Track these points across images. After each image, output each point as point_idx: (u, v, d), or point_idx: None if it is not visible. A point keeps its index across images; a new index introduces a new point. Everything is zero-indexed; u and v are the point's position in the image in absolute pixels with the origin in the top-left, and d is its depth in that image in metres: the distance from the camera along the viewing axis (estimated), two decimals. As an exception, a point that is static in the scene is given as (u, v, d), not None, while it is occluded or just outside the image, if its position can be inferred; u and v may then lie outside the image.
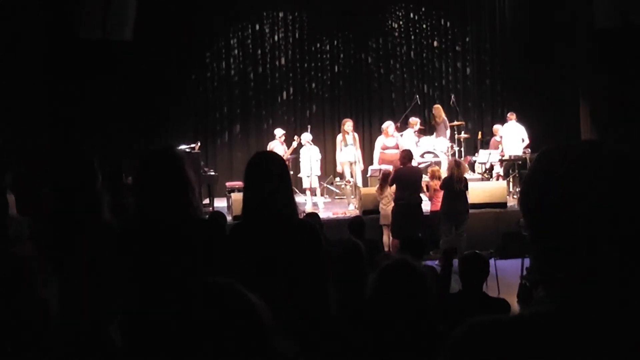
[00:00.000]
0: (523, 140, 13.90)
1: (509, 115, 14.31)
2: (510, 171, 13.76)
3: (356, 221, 7.56)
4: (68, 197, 3.08)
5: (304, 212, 11.02)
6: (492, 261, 8.87)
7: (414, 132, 13.84)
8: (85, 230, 2.99)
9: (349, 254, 5.10)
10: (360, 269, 4.88)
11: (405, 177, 10.35)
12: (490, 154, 13.57)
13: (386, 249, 10.57)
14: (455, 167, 10.38)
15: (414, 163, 12.93)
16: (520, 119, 15.62)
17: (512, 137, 13.79)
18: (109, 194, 3.25)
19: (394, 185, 10.43)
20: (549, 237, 1.24)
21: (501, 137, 14.12)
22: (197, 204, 2.97)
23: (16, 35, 9.42)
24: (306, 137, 13.18)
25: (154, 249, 2.77)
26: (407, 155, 10.75)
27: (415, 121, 14.02)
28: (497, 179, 13.58)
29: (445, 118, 14.58)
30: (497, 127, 14.62)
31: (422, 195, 10.89)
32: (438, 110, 14.62)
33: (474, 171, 14.71)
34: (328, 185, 14.55)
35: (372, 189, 11.65)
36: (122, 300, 2.83)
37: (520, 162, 13.70)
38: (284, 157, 12.82)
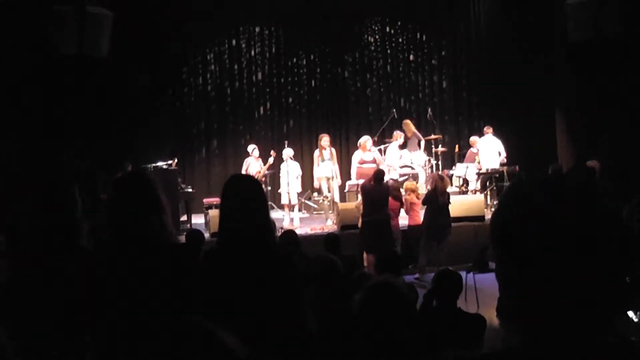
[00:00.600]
0: (500, 154, 13.95)
1: (485, 128, 14.37)
2: (488, 184, 13.80)
3: (331, 237, 7.51)
4: (46, 224, 3.02)
5: (281, 228, 11.00)
6: (470, 275, 8.92)
7: (398, 145, 13.81)
8: (61, 257, 2.92)
9: (326, 272, 5.07)
10: (338, 286, 4.85)
11: (371, 194, 10.35)
12: (467, 167, 13.60)
13: (365, 264, 10.55)
14: (439, 180, 10.42)
15: (394, 176, 13.00)
16: (496, 132, 15.72)
17: (489, 151, 13.84)
18: (87, 219, 3.19)
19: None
20: (516, 269, 1.24)
21: (478, 150, 14.16)
22: (170, 228, 2.92)
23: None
24: (287, 152, 13.12)
25: (126, 278, 2.71)
26: (377, 174, 10.72)
27: (398, 134, 14.00)
28: (475, 193, 13.59)
29: (417, 132, 14.58)
30: (474, 139, 14.64)
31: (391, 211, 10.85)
32: (407, 125, 14.61)
33: (451, 184, 14.74)
34: (306, 201, 14.50)
35: (351, 204, 11.63)
36: (94, 332, 2.77)
37: (497, 176, 13.75)
38: (260, 174, 12.81)
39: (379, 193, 10.40)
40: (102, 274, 2.78)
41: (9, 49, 9.47)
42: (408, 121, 14.78)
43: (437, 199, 10.34)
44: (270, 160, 13.27)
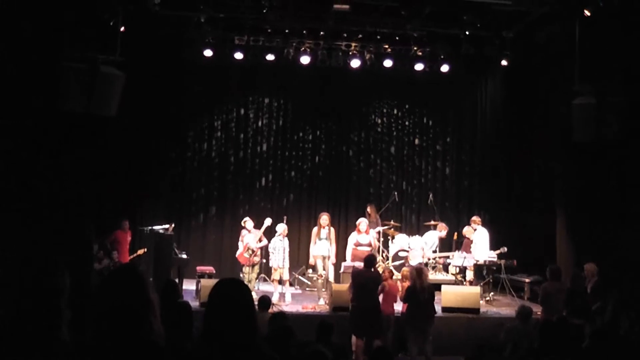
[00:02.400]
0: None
1: (475, 219, 14.25)
2: (485, 276, 13.65)
3: (323, 325, 7.34)
4: (26, 311, 2.89)
5: (272, 304, 10.83)
6: (463, 372, 8.72)
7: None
8: (39, 348, 2.80)
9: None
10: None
11: (361, 280, 10.21)
12: (465, 257, 13.48)
13: (354, 348, 10.36)
14: (417, 277, 10.16)
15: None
16: (494, 223, 15.71)
17: (482, 242, 13.73)
18: (70, 309, 3.07)
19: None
20: None
21: (472, 241, 14.02)
22: (158, 328, 2.80)
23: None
24: (281, 228, 13.05)
25: None
26: (367, 260, 10.61)
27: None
28: (470, 284, 13.44)
29: (378, 217, 14.52)
30: (466, 229, 14.47)
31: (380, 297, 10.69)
32: (372, 208, 14.56)
33: (447, 272, 14.62)
34: (299, 277, 14.35)
35: (344, 286, 11.48)
36: None
37: (494, 268, 13.63)
38: (255, 247, 12.69)
39: (368, 279, 10.27)
40: None
41: (17, 101, 9.49)
42: (373, 205, 14.69)
43: (417, 296, 10.09)
44: (264, 226, 13.09)
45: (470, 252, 13.81)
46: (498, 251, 13.58)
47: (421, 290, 10.07)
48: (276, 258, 12.89)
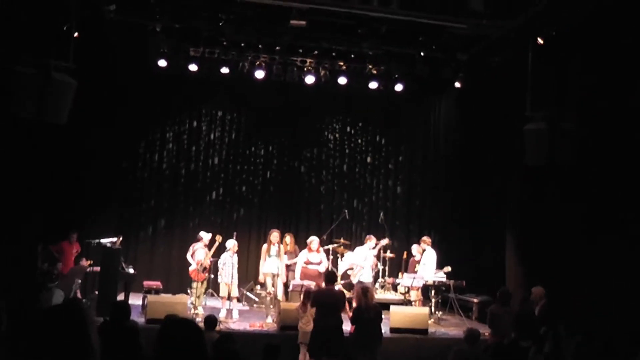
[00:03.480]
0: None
1: (425, 239, 14.28)
2: (432, 296, 13.70)
3: (270, 348, 7.22)
4: None
5: (220, 321, 10.66)
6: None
7: (369, 248, 13.64)
8: None
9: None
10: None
11: (324, 299, 10.11)
12: (414, 278, 13.49)
13: (301, 366, 10.26)
14: (363, 297, 10.11)
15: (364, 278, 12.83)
16: (444, 243, 15.84)
17: (431, 262, 13.78)
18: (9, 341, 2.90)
19: (313, 306, 10.18)
20: None
21: (418, 261, 14.03)
22: None
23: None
24: (231, 244, 12.90)
25: None
26: (329, 276, 10.54)
27: (370, 237, 13.86)
28: (416, 304, 13.46)
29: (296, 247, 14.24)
30: (414, 248, 14.48)
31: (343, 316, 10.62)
32: (291, 238, 14.36)
33: (396, 291, 14.64)
34: (247, 293, 14.19)
35: (293, 304, 11.39)
36: None
37: (444, 288, 13.70)
38: (205, 263, 12.52)
39: (332, 296, 10.16)
40: None
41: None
42: (292, 235, 14.43)
43: (362, 316, 10.03)
44: (216, 244, 12.96)
45: (415, 271, 13.84)
46: (443, 270, 13.64)
47: (366, 309, 10.02)
48: (225, 274, 12.72)
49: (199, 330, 2.97)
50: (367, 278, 13.25)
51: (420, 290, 13.75)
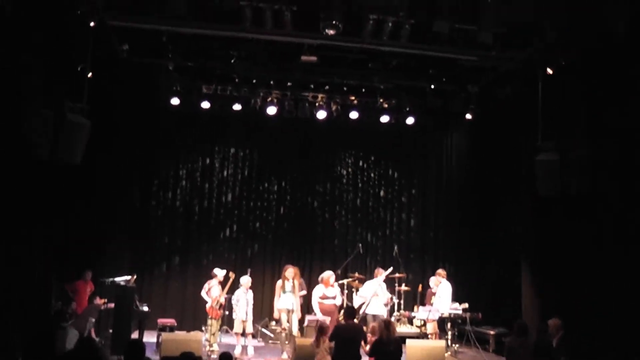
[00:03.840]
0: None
1: (440, 271, 14.20)
2: (449, 328, 13.60)
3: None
4: None
5: (235, 358, 10.60)
6: None
7: (378, 283, 13.58)
8: None
9: None
10: None
11: (344, 334, 10.03)
12: (430, 311, 13.41)
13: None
14: (385, 330, 10.03)
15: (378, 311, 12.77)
16: (459, 274, 15.76)
17: (446, 295, 13.70)
18: None
19: (332, 340, 10.10)
20: None
21: (434, 293, 13.98)
22: None
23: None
24: (245, 280, 12.91)
25: None
26: (349, 311, 10.48)
27: (380, 271, 13.81)
28: (433, 337, 13.36)
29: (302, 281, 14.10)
30: (432, 280, 14.43)
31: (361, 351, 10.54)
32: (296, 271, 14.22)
33: (412, 324, 14.54)
34: (262, 329, 14.13)
35: (308, 340, 11.30)
36: None
37: (460, 321, 13.60)
38: (220, 299, 12.52)
39: (352, 331, 10.08)
40: None
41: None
42: (296, 268, 14.34)
43: (383, 349, 9.95)
44: (229, 282, 12.98)
45: (431, 303, 13.77)
46: (460, 306, 13.55)
47: (388, 342, 9.93)
48: (240, 310, 12.69)
49: None
50: (379, 311, 13.18)
51: (436, 323, 13.66)
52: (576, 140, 11.15)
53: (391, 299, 14.43)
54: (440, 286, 13.88)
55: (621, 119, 10.42)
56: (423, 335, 13.73)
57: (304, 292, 13.62)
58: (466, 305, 13.57)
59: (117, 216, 14.69)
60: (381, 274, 13.61)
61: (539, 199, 11.99)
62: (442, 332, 13.63)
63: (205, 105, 14.11)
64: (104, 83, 12.19)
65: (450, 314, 13.47)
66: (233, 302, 12.96)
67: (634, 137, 10.18)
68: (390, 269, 14.00)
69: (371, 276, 15.51)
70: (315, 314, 12.85)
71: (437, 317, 13.53)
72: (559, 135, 11.33)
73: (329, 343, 10.14)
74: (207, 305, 12.95)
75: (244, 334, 12.68)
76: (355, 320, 11.35)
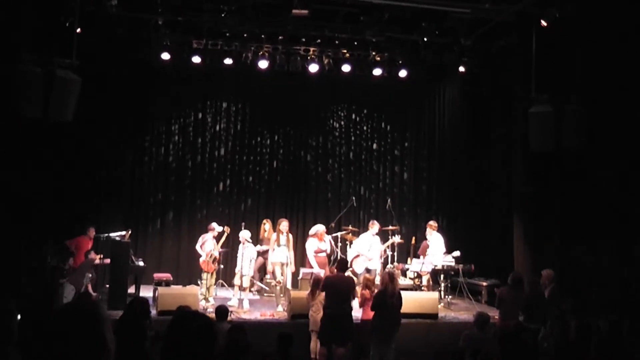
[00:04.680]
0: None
1: (431, 223, 14.33)
2: (441, 281, 13.77)
3: (283, 338, 7.26)
4: None
5: (230, 311, 10.72)
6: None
7: (372, 234, 13.69)
8: None
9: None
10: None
11: (335, 286, 10.16)
12: (423, 263, 13.55)
13: (312, 355, 10.32)
14: (389, 282, 10.19)
15: (370, 265, 12.91)
16: (452, 228, 15.89)
17: (438, 247, 13.84)
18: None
19: (323, 290, 10.25)
20: None
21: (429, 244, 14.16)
22: None
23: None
24: (244, 235, 12.97)
25: None
26: (341, 264, 10.60)
27: (374, 223, 13.89)
28: (427, 289, 13.53)
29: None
30: (428, 230, 14.57)
31: (353, 303, 10.67)
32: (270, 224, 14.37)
33: (405, 277, 14.68)
34: (257, 282, 14.25)
35: (303, 293, 11.43)
36: None
37: (452, 273, 13.74)
38: (214, 253, 12.60)
39: (342, 284, 10.22)
40: None
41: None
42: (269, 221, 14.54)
43: (386, 301, 10.12)
44: (224, 236, 13.07)
45: (426, 255, 13.93)
46: (452, 254, 13.69)
47: (391, 295, 10.09)
48: (242, 265, 12.76)
49: (211, 323, 2.97)
50: (375, 265, 13.33)
51: (429, 275, 13.83)
52: (571, 94, 11.13)
53: (385, 251, 14.56)
54: (431, 238, 14.01)
55: (617, 73, 10.39)
56: (417, 288, 13.89)
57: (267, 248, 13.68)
58: (458, 252, 13.69)
59: (109, 173, 14.67)
60: (374, 227, 13.70)
61: (533, 153, 12.01)
62: (434, 284, 13.81)
63: (196, 60, 13.98)
64: (93, 39, 12.06)
65: (443, 266, 13.61)
66: (238, 255, 13.05)
67: (629, 92, 10.17)
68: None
69: (365, 229, 15.66)
70: (312, 267, 12.99)
71: (430, 269, 13.68)
72: (553, 89, 11.30)
73: (322, 296, 10.28)
74: (201, 259, 13.05)
75: (240, 288, 12.79)
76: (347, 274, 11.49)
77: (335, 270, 10.57)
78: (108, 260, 12.57)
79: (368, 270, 13.20)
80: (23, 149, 10.34)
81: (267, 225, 14.07)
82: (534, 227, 12.86)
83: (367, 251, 13.33)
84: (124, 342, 6.30)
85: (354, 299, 10.68)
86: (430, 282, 13.84)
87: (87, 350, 2.61)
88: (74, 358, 2.58)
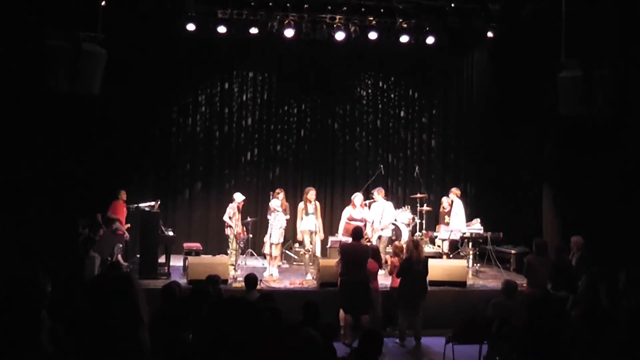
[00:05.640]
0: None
1: (454, 190, 14.30)
2: (470, 248, 13.75)
3: (310, 306, 7.29)
4: (3, 322, 2.76)
5: (261, 280, 10.82)
6: (450, 346, 8.81)
7: (381, 201, 13.68)
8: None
9: (306, 347, 4.96)
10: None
11: (350, 254, 10.21)
12: (451, 231, 13.52)
13: (342, 323, 10.40)
14: (414, 249, 10.23)
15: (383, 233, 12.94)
16: (480, 195, 15.81)
17: (459, 214, 13.82)
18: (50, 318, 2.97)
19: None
20: None
21: (447, 212, 14.15)
22: (145, 343, 2.69)
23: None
24: (274, 204, 12.99)
25: None
26: (356, 232, 10.60)
27: (381, 190, 13.88)
28: (449, 257, 13.56)
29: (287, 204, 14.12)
30: (444, 200, 14.60)
31: (381, 270, 10.74)
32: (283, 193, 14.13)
33: (433, 245, 14.68)
34: (287, 251, 14.35)
35: (332, 261, 11.48)
36: None
37: (481, 240, 13.71)
38: (236, 224, 12.67)
39: (358, 252, 10.26)
40: None
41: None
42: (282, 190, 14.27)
43: (412, 268, 10.17)
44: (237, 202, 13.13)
45: (445, 222, 13.95)
46: (472, 222, 13.68)
47: (417, 262, 10.15)
48: (274, 234, 12.82)
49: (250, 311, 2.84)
50: (387, 233, 13.35)
51: (449, 242, 13.85)
52: (601, 60, 10.92)
53: (413, 219, 14.57)
54: (454, 205, 13.98)
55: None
56: (441, 256, 13.85)
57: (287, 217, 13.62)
58: (478, 220, 13.70)
59: (137, 145, 14.78)
60: (380, 193, 13.67)
61: (564, 120, 11.86)
62: (454, 252, 13.88)
63: (222, 30, 13.94)
64: (118, 11, 12.07)
65: (471, 234, 13.59)
66: (269, 225, 13.10)
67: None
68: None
69: (393, 197, 15.71)
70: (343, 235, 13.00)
71: (458, 237, 13.68)
72: (583, 54, 11.09)
73: None
74: (229, 229, 13.16)
75: (272, 257, 12.87)
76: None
77: (352, 239, 10.59)
78: (126, 234, 12.79)
79: (397, 235, 13.24)
80: (52, 124, 10.42)
81: (281, 195, 13.92)
82: (563, 194, 12.73)
83: (379, 222, 13.28)
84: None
85: (381, 267, 10.75)
86: (449, 251, 13.88)
87: (121, 320, 2.65)
88: (109, 328, 2.62)
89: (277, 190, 13.84)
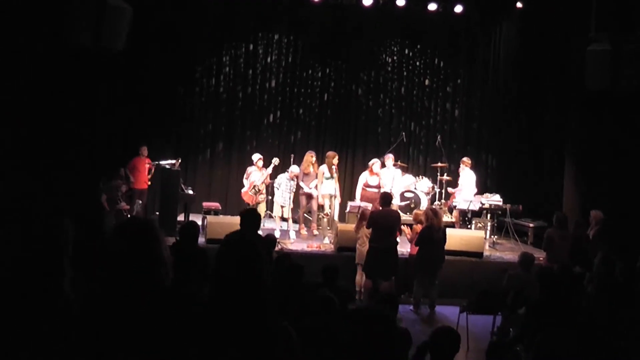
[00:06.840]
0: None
1: (465, 159, 14.26)
2: (489, 219, 13.75)
3: (330, 269, 7.36)
4: (26, 267, 2.78)
5: (278, 242, 10.87)
6: (464, 315, 8.86)
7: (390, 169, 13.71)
8: (39, 305, 2.71)
9: (324, 309, 5.02)
10: (333, 323, 4.79)
11: (381, 221, 10.22)
12: (471, 201, 13.49)
13: (358, 288, 10.48)
14: (433, 217, 10.26)
15: (395, 200, 12.93)
16: (501, 167, 15.75)
17: (469, 185, 13.78)
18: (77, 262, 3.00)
19: (369, 227, 10.32)
20: None
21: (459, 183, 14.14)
22: (168, 285, 2.74)
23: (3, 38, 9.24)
24: (295, 169, 13.02)
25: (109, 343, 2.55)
26: (385, 198, 10.63)
27: (388, 157, 13.89)
28: (455, 226, 13.57)
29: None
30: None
31: (398, 238, 10.75)
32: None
33: (452, 214, 14.65)
34: (305, 214, 14.39)
35: (350, 226, 11.54)
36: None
37: (499, 212, 13.69)
38: (261, 186, 12.70)
39: (389, 219, 10.29)
40: (84, 332, 2.60)
41: (22, 36, 9.37)
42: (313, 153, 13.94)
43: (431, 236, 10.20)
44: (270, 167, 13.13)
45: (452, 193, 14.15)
46: (484, 196, 13.67)
47: (436, 230, 10.19)
48: (280, 195, 12.90)
49: (258, 251, 2.95)
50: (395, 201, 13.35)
51: (460, 214, 13.85)
52: (631, 34, 10.76)
53: (432, 187, 14.55)
54: (463, 174, 13.94)
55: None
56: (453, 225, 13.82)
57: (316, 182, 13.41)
58: (488, 195, 13.72)
59: (160, 103, 14.81)
60: (389, 160, 13.66)
61: (588, 94, 11.73)
62: (463, 222, 13.94)
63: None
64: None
65: (490, 205, 13.56)
66: (275, 185, 13.16)
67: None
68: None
69: (414, 165, 15.69)
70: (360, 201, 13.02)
71: (477, 208, 13.64)
72: (613, 28, 10.93)
73: (367, 230, 10.37)
74: (243, 190, 13.20)
75: (283, 219, 12.93)
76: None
77: (382, 204, 10.61)
78: (125, 192, 12.86)
79: (416, 204, 13.27)
80: (74, 79, 10.44)
81: (313, 159, 13.61)
82: (585, 168, 12.64)
83: (390, 189, 13.24)
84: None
85: (400, 234, 10.78)
86: (458, 221, 13.87)
87: (144, 266, 2.69)
88: (132, 274, 2.67)
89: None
